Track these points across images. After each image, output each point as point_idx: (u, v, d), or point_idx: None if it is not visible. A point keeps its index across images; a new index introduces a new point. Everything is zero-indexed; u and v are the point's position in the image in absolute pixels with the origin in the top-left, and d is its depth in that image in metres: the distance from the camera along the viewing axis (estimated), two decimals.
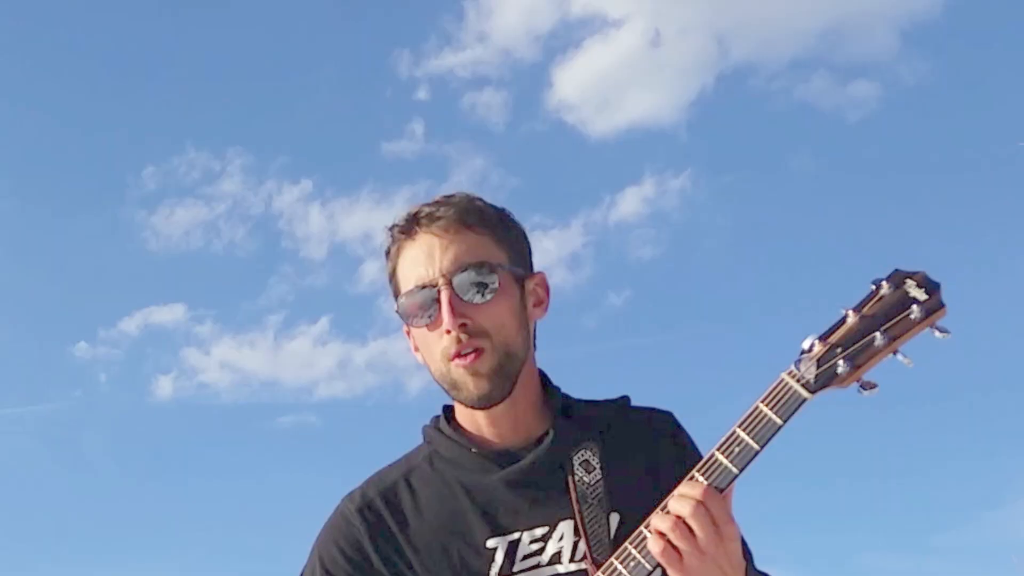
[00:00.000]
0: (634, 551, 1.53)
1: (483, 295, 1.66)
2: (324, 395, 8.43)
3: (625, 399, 1.84)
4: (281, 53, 9.28)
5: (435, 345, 1.67)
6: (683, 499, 1.48)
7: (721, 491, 1.49)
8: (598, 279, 8.30)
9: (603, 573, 1.57)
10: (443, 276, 1.66)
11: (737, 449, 1.48)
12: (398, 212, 1.76)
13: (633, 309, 8.22)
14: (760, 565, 1.69)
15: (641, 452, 1.74)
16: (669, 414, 1.82)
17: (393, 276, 1.74)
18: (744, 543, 1.71)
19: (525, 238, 1.79)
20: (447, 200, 1.72)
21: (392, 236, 1.74)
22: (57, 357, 8.96)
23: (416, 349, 1.75)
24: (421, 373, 1.76)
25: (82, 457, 8.99)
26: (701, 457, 1.52)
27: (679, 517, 1.47)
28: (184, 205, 8.75)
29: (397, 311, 1.73)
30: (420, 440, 1.82)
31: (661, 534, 1.48)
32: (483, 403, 1.68)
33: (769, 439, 1.47)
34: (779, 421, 1.46)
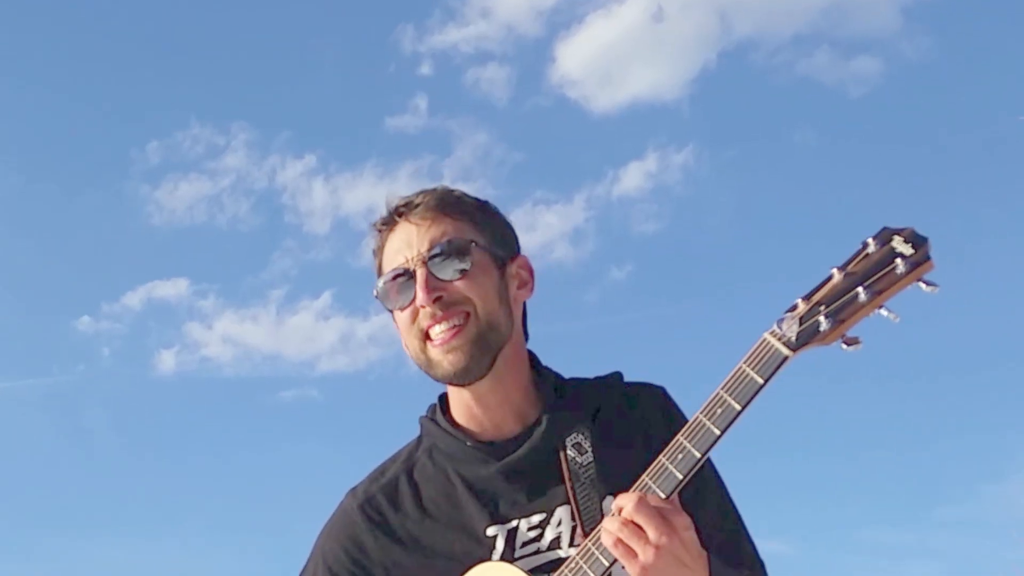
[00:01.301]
0: (593, 548, 1.53)
1: (457, 271, 1.66)
2: (326, 369, 8.46)
3: (617, 375, 1.82)
4: (285, 28, 9.28)
5: (412, 327, 1.68)
6: (626, 496, 1.48)
7: (704, 453, 1.47)
8: (601, 253, 8.30)
9: (566, 568, 1.56)
10: (419, 257, 1.67)
11: (719, 411, 1.46)
12: (400, 189, 1.78)
13: (636, 283, 8.22)
14: (762, 538, 1.70)
15: (633, 430, 1.73)
16: (660, 388, 1.81)
17: (380, 271, 1.75)
18: (747, 535, 1.71)
19: (508, 225, 1.79)
20: (425, 191, 1.74)
21: (376, 232, 1.76)
22: (60, 331, 9.02)
23: (406, 346, 1.75)
24: None
25: (85, 430, 9.05)
26: None
27: (626, 517, 1.46)
28: (188, 180, 8.78)
29: (376, 296, 1.74)
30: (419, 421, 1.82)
31: (612, 533, 1.47)
32: (460, 378, 1.67)
33: (751, 399, 1.45)
34: (760, 380, 1.44)
